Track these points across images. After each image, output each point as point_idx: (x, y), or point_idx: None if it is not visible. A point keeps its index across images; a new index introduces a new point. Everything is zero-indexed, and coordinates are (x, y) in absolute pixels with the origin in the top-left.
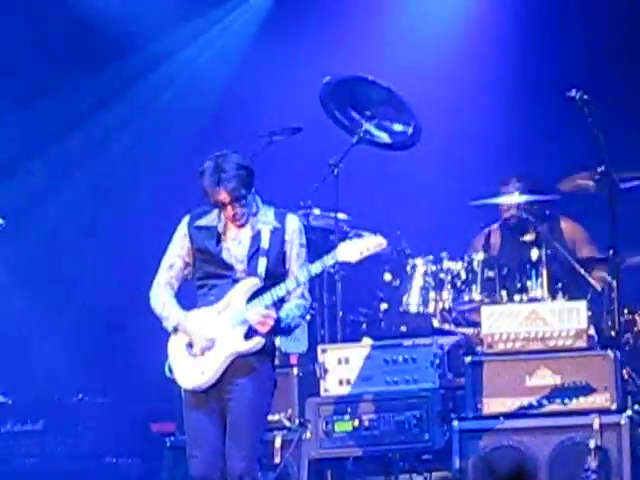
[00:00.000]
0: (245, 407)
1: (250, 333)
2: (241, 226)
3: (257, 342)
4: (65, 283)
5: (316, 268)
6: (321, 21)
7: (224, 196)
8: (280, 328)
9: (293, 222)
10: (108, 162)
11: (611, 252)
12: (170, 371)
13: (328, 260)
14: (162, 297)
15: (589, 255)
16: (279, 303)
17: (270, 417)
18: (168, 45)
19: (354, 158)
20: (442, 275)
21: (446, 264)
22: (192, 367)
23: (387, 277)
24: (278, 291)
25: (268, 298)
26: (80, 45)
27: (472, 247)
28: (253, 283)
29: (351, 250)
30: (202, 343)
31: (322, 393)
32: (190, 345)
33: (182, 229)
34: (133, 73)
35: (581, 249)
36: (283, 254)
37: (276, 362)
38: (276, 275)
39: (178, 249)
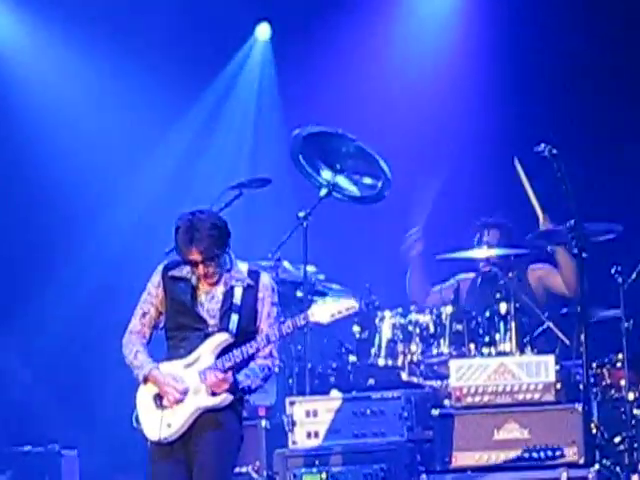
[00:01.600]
0: (212, 460)
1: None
2: (213, 284)
3: (223, 398)
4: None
5: (287, 327)
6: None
7: (196, 255)
8: (239, 389)
9: (266, 281)
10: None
11: (578, 308)
12: (137, 422)
13: (299, 321)
14: (134, 346)
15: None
16: (248, 360)
17: (238, 469)
18: None
19: (323, 210)
20: (410, 328)
21: (414, 317)
22: (159, 419)
23: (355, 329)
24: (249, 349)
25: (238, 355)
26: None
27: (440, 293)
28: (224, 338)
29: (323, 312)
30: (176, 396)
31: (290, 445)
32: (158, 397)
33: (156, 278)
34: None
35: (555, 283)
36: (255, 311)
37: (244, 414)
38: (247, 332)
39: (152, 298)
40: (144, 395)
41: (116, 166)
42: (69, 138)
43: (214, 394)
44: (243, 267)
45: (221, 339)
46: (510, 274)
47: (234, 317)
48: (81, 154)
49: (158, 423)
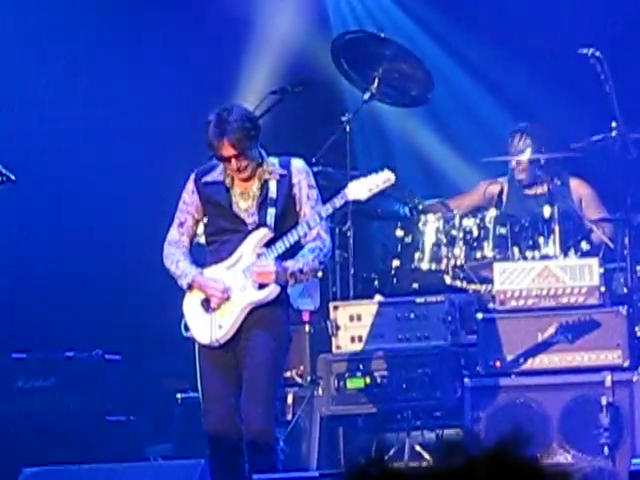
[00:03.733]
0: (261, 364)
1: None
2: (247, 180)
3: (271, 290)
4: (72, 234)
5: (326, 210)
6: None
7: (229, 149)
8: (290, 274)
9: (299, 165)
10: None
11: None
12: (186, 329)
13: (338, 200)
14: (174, 256)
15: (598, 215)
16: (295, 248)
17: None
18: None
19: (365, 115)
20: (454, 232)
21: (458, 221)
22: (209, 322)
23: (399, 233)
24: (290, 238)
25: (280, 246)
26: None
27: (474, 193)
28: (263, 234)
29: (360, 188)
30: (218, 295)
31: (334, 350)
32: (206, 301)
33: (190, 186)
34: None
35: (589, 209)
36: (292, 199)
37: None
38: (287, 224)
39: (187, 206)
40: (191, 302)
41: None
42: None
43: (261, 287)
44: (274, 160)
45: (260, 235)
46: (554, 179)
47: (271, 211)
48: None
49: (209, 326)
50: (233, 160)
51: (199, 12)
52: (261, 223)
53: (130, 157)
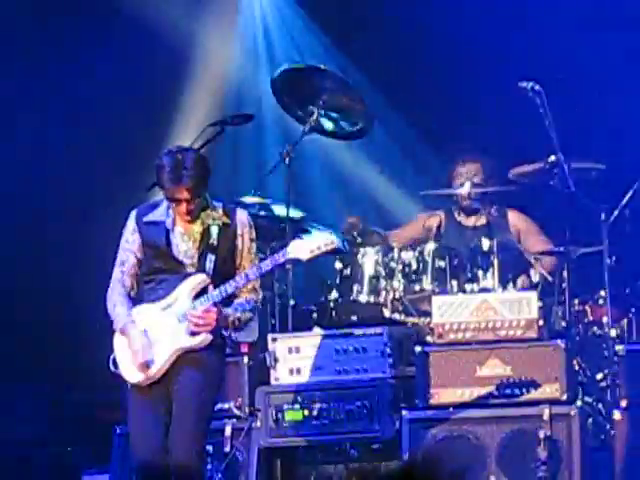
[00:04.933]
0: (191, 398)
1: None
2: (191, 221)
3: (203, 339)
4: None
5: (266, 265)
6: None
7: (183, 193)
8: (230, 322)
9: (243, 217)
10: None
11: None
12: (115, 366)
13: (279, 258)
14: (112, 298)
15: (538, 246)
16: (228, 299)
17: (220, 405)
18: None
19: (304, 147)
20: (393, 264)
21: (397, 253)
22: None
23: (338, 265)
24: (228, 288)
25: (217, 295)
26: None
27: (410, 226)
28: (200, 280)
29: (302, 248)
30: (138, 361)
31: (272, 382)
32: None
33: (131, 225)
34: None
35: (527, 242)
36: (233, 250)
37: (227, 351)
38: (225, 272)
39: (129, 245)
40: (121, 339)
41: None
42: None
43: (193, 334)
44: (218, 206)
45: (197, 280)
46: (492, 210)
47: (211, 257)
48: None
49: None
50: (184, 204)
51: (139, 45)
52: (201, 268)
53: (71, 191)
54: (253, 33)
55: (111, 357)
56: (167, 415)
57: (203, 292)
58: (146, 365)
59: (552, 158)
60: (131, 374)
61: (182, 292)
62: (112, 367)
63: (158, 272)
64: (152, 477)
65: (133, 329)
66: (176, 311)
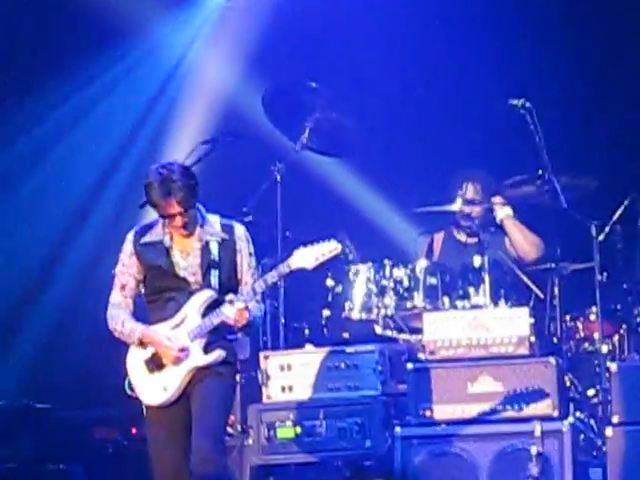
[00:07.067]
0: (211, 400)
1: (209, 347)
2: (188, 236)
3: (217, 356)
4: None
5: (272, 277)
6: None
7: (175, 206)
8: (249, 325)
9: (241, 232)
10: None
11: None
12: (131, 389)
13: (284, 268)
14: (119, 317)
15: (531, 251)
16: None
17: None
18: None
19: (295, 165)
20: (385, 282)
21: (389, 271)
22: (154, 384)
23: (330, 283)
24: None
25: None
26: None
27: (417, 253)
28: (208, 296)
29: (306, 257)
30: (173, 353)
31: (264, 400)
32: (150, 360)
33: (128, 248)
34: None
35: (510, 250)
36: (234, 265)
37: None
38: (229, 286)
39: (128, 268)
40: (135, 360)
41: None
42: None
43: (206, 352)
44: (214, 220)
45: (205, 296)
46: (491, 228)
47: (214, 272)
48: None
49: (153, 388)
50: (178, 217)
51: (130, 60)
52: (205, 285)
53: (65, 206)
54: (245, 49)
55: (126, 380)
56: (185, 430)
57: (210, 308)
58: (182, 351)
59: (540, 172)
60: (149, 396)
61: (191, 309)
62: (128, 391)
63: (163, 291)
64: None
65: (154, 332)
66: (187, 330)
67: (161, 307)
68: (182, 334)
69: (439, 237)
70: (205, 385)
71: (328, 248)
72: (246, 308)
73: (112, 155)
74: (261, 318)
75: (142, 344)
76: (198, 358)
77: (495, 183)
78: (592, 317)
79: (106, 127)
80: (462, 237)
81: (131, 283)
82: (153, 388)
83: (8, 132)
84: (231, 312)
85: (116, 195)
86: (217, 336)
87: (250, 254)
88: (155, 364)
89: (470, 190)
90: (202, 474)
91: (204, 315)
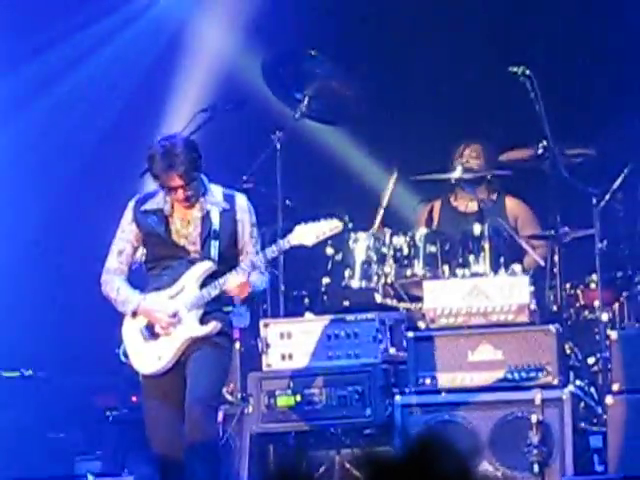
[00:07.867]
0: (204, 365)
1: (205, 318)
2: (190, 207)
3: (213, 327)
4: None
5: (272, 252)
6: None
7: (176, 180)
8: (250, 296)
9: (243, 202)
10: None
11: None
12: (125, 356)
13: (284, 244)
14: (114, 283)
15: (531, 233)
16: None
17: None
18: None
19: (295, 133)
20: (384, 249)
21: (388, 238)
22: (148, 352)
23: (329, 251)
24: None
25: (224, 283)
26: None
27: (416, 222)
28: (207, 267)
29: (307, 234)
30: (166, 320)
31: (264, 368)
32: (146, 329)
33: (128, 215)
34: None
35: (525, 229)
36: (235, 235)
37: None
38: (228, 257)
39: (126, 235)
40: (130, 328)
41: None
42: None
43: (202, 323)
44: (217, 190)
45: (204, 268)
46: (490, 196)
47: (214, 243)
48: None
49: (148, 356)
50: (180, 190)
51: (130, 29)
52: (205, 255)
53: (64, 177)
54: (245, 17)
55: (121, 348)
56: (180, 400)
57: (209, 279)
58: (174, 316)
59: (543, 143)
60: (143, 365)
61: (189, 280)
62: (123, 358)
63: (161, 259)
64: (171, 464)
65: (148, 303)
66: (184, 300)
67: (160, 274)
68: (180, 305)
69: (438, 205)
70: (200, 354)
71: (329, 226)
72: (244, 284)
73: (112, 120)
74: (264, 288)
75: (134, 315)
76: (194, 329)
77: (494, 151)
78: (592, 285)
79: (103, 84)
80: (461, 205)
81: (128, 249)
82: (148, 357)
83: None
84: (234, 282)
85: (119, 168)
86: (214, 307)
87: (252, 224)
88: (150, 332)
89: (468, 153)
90: (191, 441)
91: (202, 286)
